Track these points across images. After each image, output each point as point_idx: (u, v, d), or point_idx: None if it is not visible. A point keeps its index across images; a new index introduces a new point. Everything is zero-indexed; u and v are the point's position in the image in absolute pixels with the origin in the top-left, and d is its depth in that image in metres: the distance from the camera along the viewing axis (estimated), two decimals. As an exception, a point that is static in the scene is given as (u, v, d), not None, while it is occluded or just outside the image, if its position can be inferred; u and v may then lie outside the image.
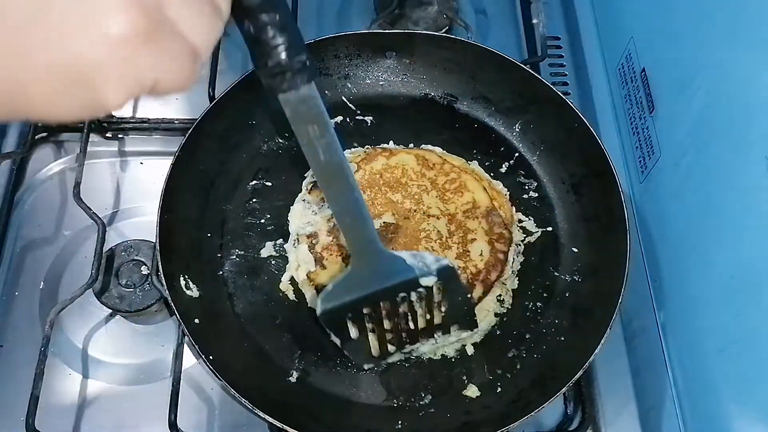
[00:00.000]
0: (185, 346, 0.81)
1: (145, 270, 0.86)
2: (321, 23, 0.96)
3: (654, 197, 0.91)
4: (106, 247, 0.86)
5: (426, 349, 0.81)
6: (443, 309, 0.75)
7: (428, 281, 0.71)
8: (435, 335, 0.78)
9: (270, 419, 0.71)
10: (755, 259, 0.68)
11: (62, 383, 0.83)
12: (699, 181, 0.80)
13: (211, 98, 0.91)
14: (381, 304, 0.73)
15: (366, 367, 0.80)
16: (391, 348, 0.78)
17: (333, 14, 1.14)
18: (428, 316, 0.75)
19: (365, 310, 0.74)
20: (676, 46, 0.85)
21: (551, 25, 1.13)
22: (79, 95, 0.39)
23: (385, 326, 0.75)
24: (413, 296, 0.73)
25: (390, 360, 0.80)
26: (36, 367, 0.77)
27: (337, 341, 0.79)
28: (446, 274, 0.71)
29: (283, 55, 0.49)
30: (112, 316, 0.87)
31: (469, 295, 0.75)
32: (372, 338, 0.76)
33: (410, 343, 0.78)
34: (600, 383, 0.86)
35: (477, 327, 0.80)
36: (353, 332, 0.75)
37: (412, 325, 0.76)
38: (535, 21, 1.10)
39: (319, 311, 0.73)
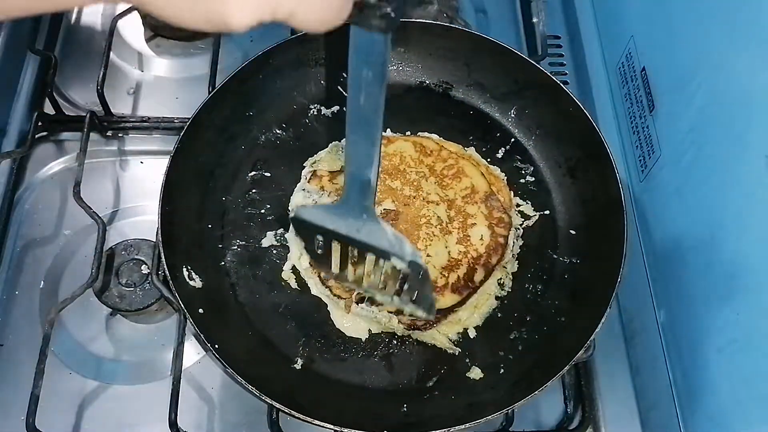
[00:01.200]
0: (185, 344, 0.81)
1: (145, 269, 0.86)
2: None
3: (654, 196, 0.91)
4: (106, 247, 0.86)
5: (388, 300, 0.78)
6: (404, 289, 0.74)
7: (399, 264, 0.71)
8: (392, 298, 0.76)
9: (277, 405, 0.71)
10: (755, 258, 0.68)
11: (62, 382, 0.83)
12: (699, 180, 0.80)
13: (211, 95, 0.91)
14: (349, 247, 0.72)
15: (323, 275, 0.82)
16: (349, 276, 0.75)
17: (333, 13, 1.14)
18: (389, 286, 0.74)
19: (334, 241, 0.72)
20: (676, 46, 0.85)
21: (551, 24, 1.13)
22: (203, 6, 0.39)
23: (348, 263, 0.73)
24: (381, 262, 0.72)
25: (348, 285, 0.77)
26: (36, 366, 0.77)
27: (302, 244, 0.77)
28: (416, 269, 0.70)
29: None
30: (112, 315, 0.87)
31: (432, 295, 0.74)
32: (334, 260, 0.74)
33: (368, 288, 0.75)
34: (600, 382, 0.86)
35: (433, 316, 0.76)
36: (318, 248, 0.73)
37: (373, 278, 0.74)
38: (535, 20, 1.10)
39: (292, 215, 0.71)
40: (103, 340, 0.86)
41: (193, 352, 0.85)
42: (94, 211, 0.87)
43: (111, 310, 0.85)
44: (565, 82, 1.09)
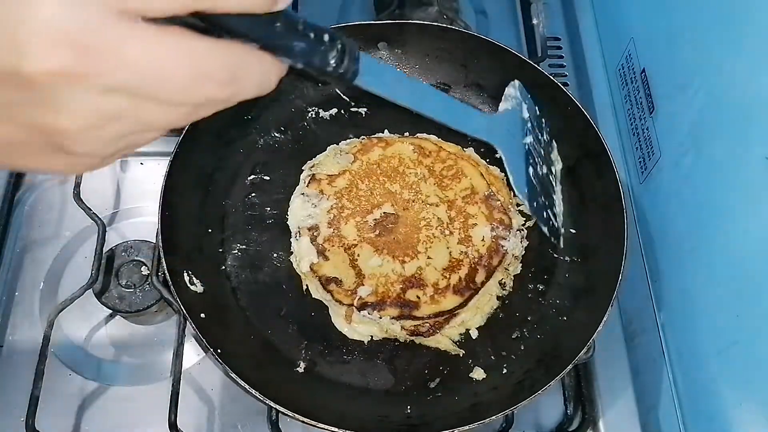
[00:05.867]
0: (185, 346, 0.81)
1: (145, 270, 0.86)
2: (321, 24, 0.96)
3: (654, 198, 0.91)
4: (106, 248, 0.86)
5: None
6: None
7: None
8: None
9: (281, 409, 0.71)
10: (755, 259, 0.68)
11: (62, 383, 0.83)
12: (699, 182, 0.80)
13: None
14: None
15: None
16: None
17: (333, 15, 1.14)
18: None
19: None
20: (676, 47, 0.85)
21: (551, 25, 1.13)
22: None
23: None
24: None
25: None
26: (36, 367, 0.77)
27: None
28: None
29: (332, 63, 0.44)
30: (112, 316, 0.87)
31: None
32: None
33: None
34: (600, 384, 0.86)
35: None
36: None
37: None
38: (535, 21, 1.10)
39: None
40: (102, 342, 0.86)
41: (192, 353, 0.85)
42: (93, 212, 0.87)
43: (111, 311, 0.85)
44: (565, 84, 1.09)
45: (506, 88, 0.66)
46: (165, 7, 0.32)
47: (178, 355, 0.80)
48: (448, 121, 0.62)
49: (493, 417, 0.72)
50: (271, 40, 0.39)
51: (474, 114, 0.62)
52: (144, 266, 0.86)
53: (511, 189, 0.93)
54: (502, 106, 0.67)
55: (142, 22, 0.32)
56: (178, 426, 0.75)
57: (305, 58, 0.41)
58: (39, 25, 0.30)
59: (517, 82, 0.70)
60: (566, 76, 1.11)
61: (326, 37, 0.42)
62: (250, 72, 0.37)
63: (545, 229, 0.76)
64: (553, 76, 0.92)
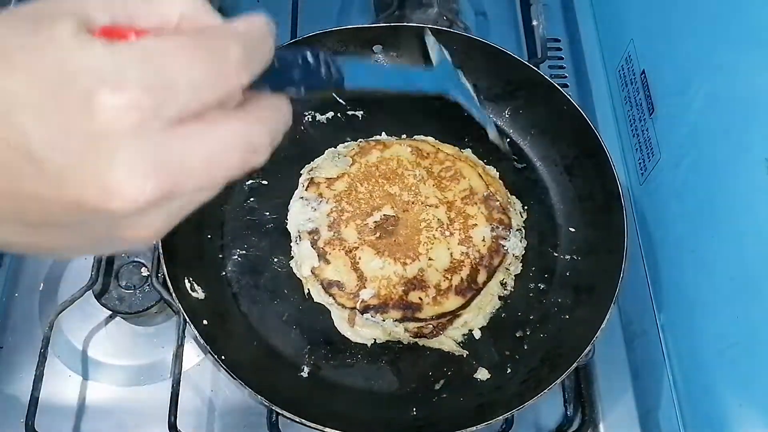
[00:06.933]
0: (185, 347, 0.81)
1: (145, 272, 0.86)
2: (320, 26, 0.96)
3: (654, 199, 0.92)
4: (106, 249, 0.86)
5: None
6: None
7: None
8: None
9: (288, 414, 0.71)
10: (755, 260, 0.68)
11: (62, 385, 0.83)
12: (699, 183, 0.80)
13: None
14: None
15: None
16: None
17: (332, 17, 1.14)
18: None
19: None
20: (675, 48, 0.85)
21: (551, 26, 1.13)
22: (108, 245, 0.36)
23: None
24: None
25: None
26: (36, 368, 0.77)
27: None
28: None
29: (324, 76, 0.45)
30: (111, 317, 0.87)
31: None
32: None
33: None
34: (600, 385, 0.86)
35: None
36: None
37: None
38: (535, 23, 1.10)
39: None
40: (102, 343, 0.86)
41: (192, 354, 0.85)
42: (94, 213, 0.87)
43: (110, 312, 0.85)
44: (565, 85, 1.09)
45: (425, 38, 0.71)
46: (210, 101, 0.33)
47: (178, 356, 0.80)
48: (407, 88, 0.67)
49: (500, 417, 0.72)
50: (279, 78, 0.41)
51: (424, 75, 0.74)
52: (144, 267, 0.86)
53: (508, 189, 0.92)
54: (434, 57, 0.73)
55: (192, 122, 0.32)
56: (178, 427, 0.75)
57: (305, 82, 0.43)
58: (125, 167, 0.30)
59: (427, 29, 0.75)
60: (566, 77, 1.11)
61: (309, 56, 0.44)
62: (282, 126, 0.39)
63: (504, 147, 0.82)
64: (553, 78, 0.92)
